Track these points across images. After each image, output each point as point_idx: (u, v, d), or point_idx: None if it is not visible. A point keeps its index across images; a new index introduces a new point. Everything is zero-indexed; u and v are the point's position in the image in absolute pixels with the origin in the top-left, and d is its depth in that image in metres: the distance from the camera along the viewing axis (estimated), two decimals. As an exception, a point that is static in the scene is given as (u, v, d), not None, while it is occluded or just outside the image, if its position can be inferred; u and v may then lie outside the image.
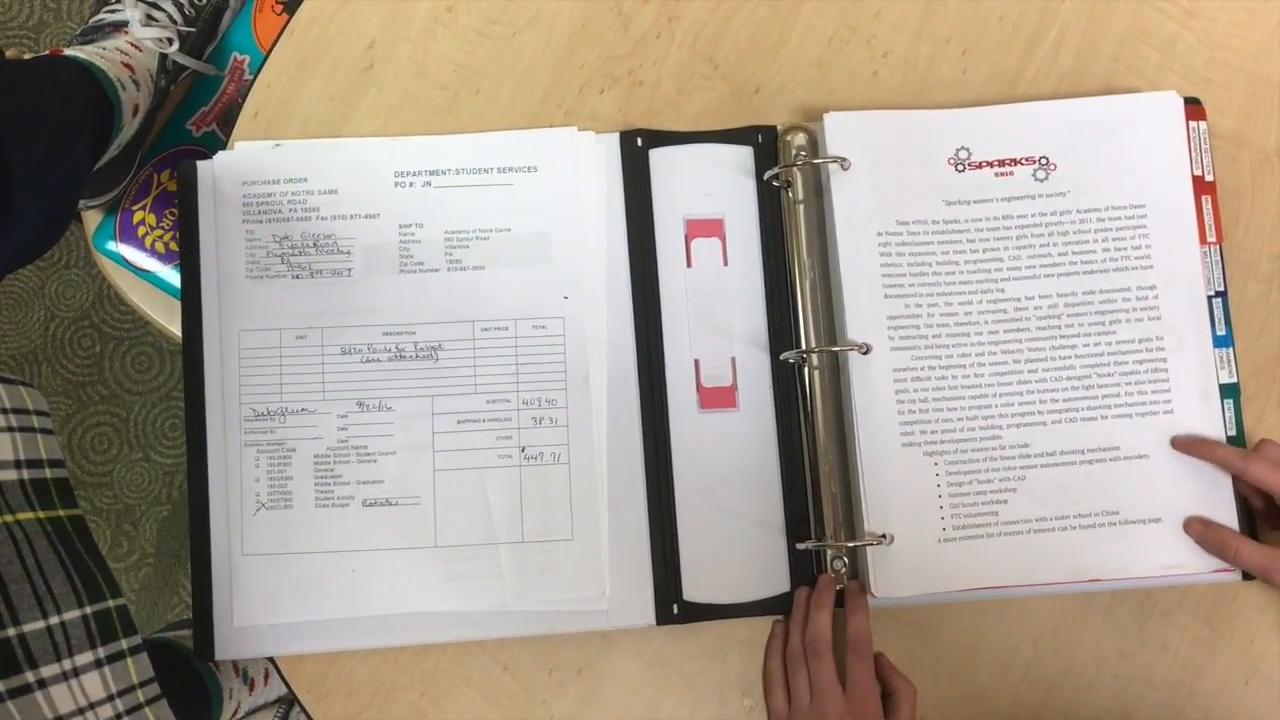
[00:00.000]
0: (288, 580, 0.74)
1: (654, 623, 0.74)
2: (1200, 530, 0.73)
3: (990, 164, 0.76)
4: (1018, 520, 0.73)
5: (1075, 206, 0.76)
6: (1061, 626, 0.75)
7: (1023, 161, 0.76)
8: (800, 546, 0.74)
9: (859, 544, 0.73)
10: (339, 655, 0.75)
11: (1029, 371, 0.74)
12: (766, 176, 0.78)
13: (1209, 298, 0.76)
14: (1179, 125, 0.77)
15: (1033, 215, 0.76)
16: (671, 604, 0.74)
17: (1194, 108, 0.78)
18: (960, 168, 0.76)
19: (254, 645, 0.74)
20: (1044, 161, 0.76)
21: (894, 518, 0.73)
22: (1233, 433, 0.75)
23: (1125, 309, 0.75)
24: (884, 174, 0.76)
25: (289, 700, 1.25)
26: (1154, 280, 0.75)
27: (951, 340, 0.75)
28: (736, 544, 0.75)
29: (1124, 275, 0.75)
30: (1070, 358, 0.75)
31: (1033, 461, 0.74)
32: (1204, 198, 0.77)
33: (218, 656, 0.74)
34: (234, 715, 1.12)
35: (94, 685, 0.64)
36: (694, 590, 0.74)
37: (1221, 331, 0.76)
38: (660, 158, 0.79)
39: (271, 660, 0.75)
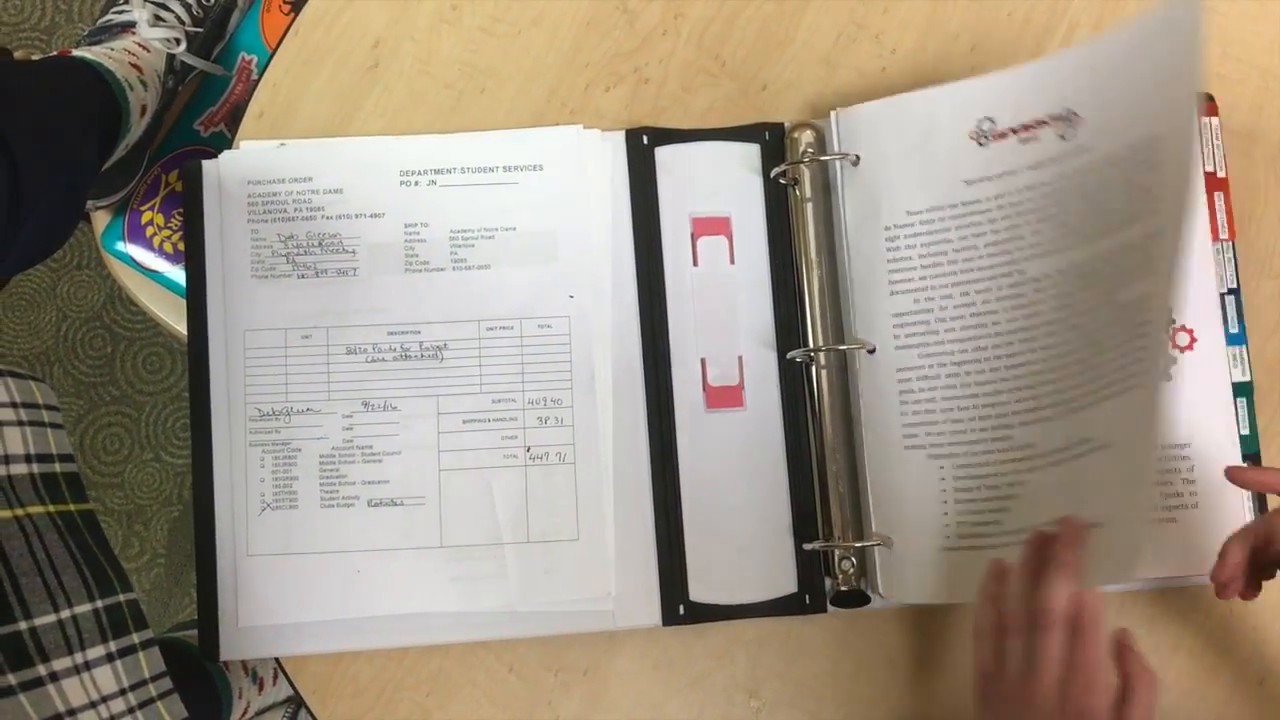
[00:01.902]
0: (293, 580, 0.74)
1: (660, 623, 0.74)
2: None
3: (1015, 131, 0.72)
4: (1026, 528, 0.72)
5: (1098, 158, 0.69)
6: (1072, 627, 0.75)
7: (1048, 121, 0.71)
8: (807, 547, 0.74)
9: (867, 544, 0.72)
10: (344, 656, 0.75)
11: (1042, 362, 0.73)
12: (773, 174, 0.77)
13: (1221, 295, 0.75)
14: (1191, 121, 0.76)
15: (1055, 180, 0.71)
16: (678, 604, 0.73)
17: (1206, 103, 0.77)
18: (983, 141, 0.73)
19: (259, 646, 0.74)
20: (1070, 116, 0.70)
21: (896, 521, 0.72)
22: (1245, 431, 0.74)
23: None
24: (895, 164, 0.74)
25: (298, 700, 1.25)
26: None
27: (965, 333, 0.72)
28: (743, 544, 0.75)
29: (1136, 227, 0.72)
30: (1083, 341, 0.72)
31: (1040, 462, 0.73)
32: (1216, 194, 0.76)
33: (223, 657, 0.74)
34: (243, 715, 1.12)
35: (106, 679, 0.64)
36: (700, 591, 0.74)
37: (1234, 329, 0.75)
38: (666, 156, 0.78)
39: (276, 661, 0.75)
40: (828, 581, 0.74)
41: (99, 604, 0.65)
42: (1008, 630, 0.61)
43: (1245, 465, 0.73)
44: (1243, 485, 0.70)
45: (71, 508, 0.68)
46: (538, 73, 0.80)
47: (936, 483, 0.72)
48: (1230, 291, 0.76)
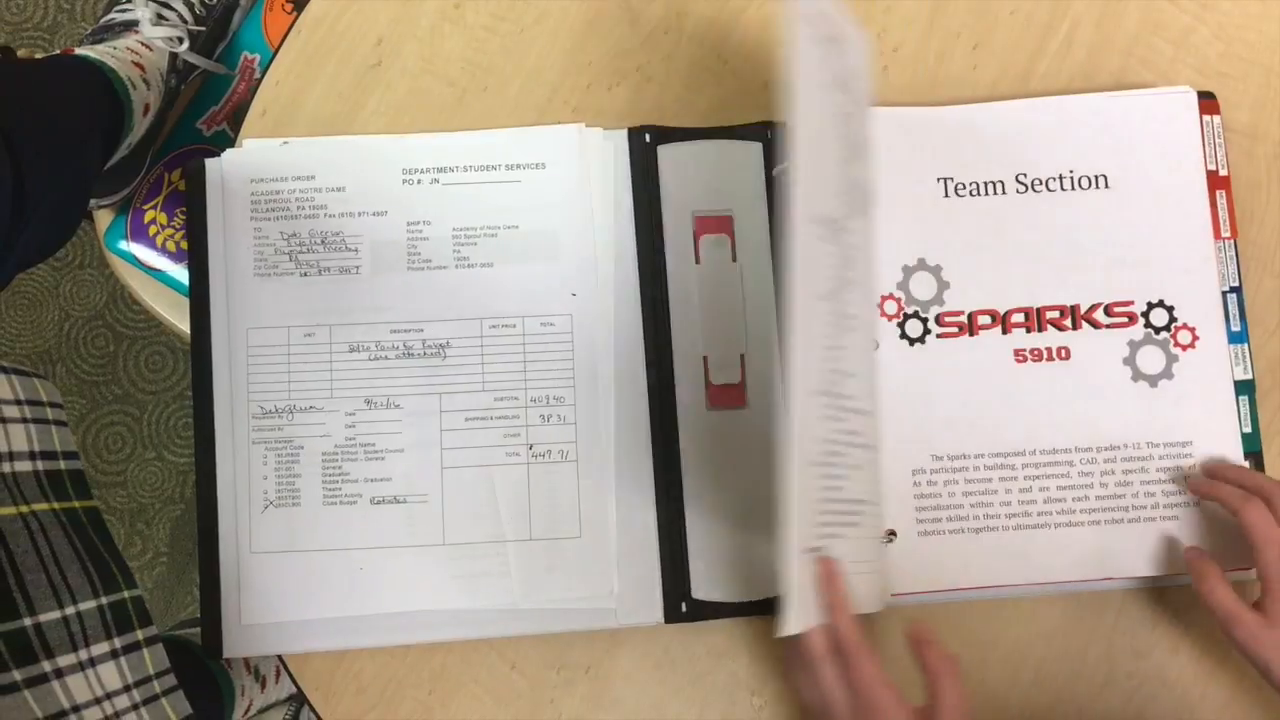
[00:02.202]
0: (295, 578, 0.74)
1: (662, 621, 0.74)
2: (1194, 556, 0.71)
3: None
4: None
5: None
6: (1074, 626, 0.75)
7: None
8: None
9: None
10: (346, 653, 0.75)
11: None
12: (775, 172, 0.77)
13: (1224, 293, 0.75)
14: (1193, 120, 0.77)
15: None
16: (680, 602, 0.74)
17: (1208, 101, 0.77)
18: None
19: (262, 643, 0.74)
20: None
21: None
22: (1248, 429, 0.74)
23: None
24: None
25: (300, 698, 1.25)
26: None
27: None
28: (745, 541, 0.75)
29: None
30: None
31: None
32: (1218, 192, 0.76)
33: (226, 654, 0.74)
34: (246, 712, 1.12)
35: (110, 675, 0.64)
36: (702, 588, 0.74)
37: (1236, 327, 0.75)
38: (668, 154, 0.78)
39: (279, 658, 0.75)
40: (829, 579, 0.74)
41: (103, 600, 0.65)
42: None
43: (1202, 478, 0.73)
44: (1199, 495, 0.73)
45: (76, 504, 0.68)
46: (540, 71, 0.80)
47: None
48: (1232, 290, 0.76)
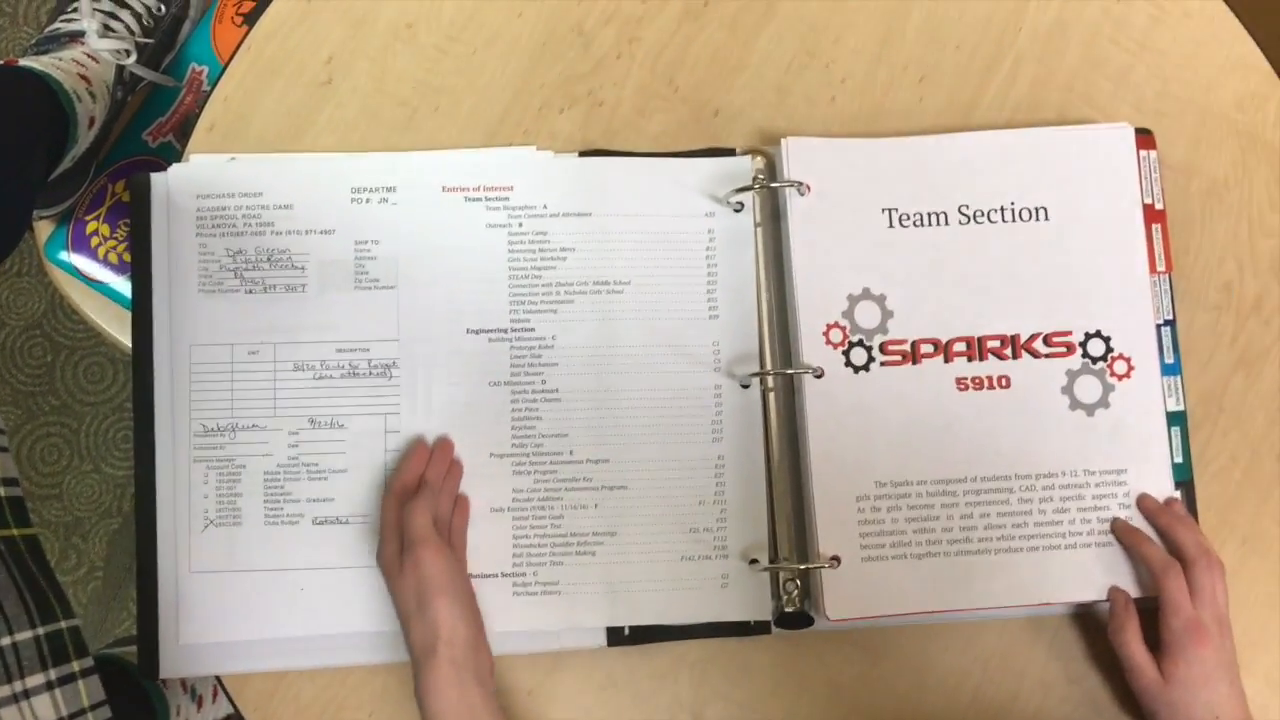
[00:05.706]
0: (235, 598, 0.73)
1: (605, 644, 0.74)
2: (1117, 601, 0.73)
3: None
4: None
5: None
6: (1010, 650, 0.76)
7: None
8: (753, 568, 0.74)
9: (810, 566, 0.73)
10: (287, 674, 0.74)
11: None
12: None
13: (1158, 326, 0.77)
14: (1130, 155, 0.78)
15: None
16: (622, 625, 0.74)
17: (1145, 137, 0.79)
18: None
19: (200, 664, 0.73)
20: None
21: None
22: (1179, 459, 0.76)
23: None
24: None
25: (238, 718, 1.23)
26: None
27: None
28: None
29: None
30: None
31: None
32: (1154, 226, 0.78)
33: (163, 675, 0.73)
34: (181, 733, 1.10)
35: (44, 708, 0.63)
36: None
37: (1170, 359, 0.77)
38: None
39: (217, 679, 0.74)
40: (772, 603, 0.74)
41: (40, 631, 0.64)
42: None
43: (1129, 529, 0.75)
44: (1125, 546, 0.74)
45: (15, 533, 0.66)
46: (492, 93, 0.80)
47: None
48: (1167, 323, 0.78)
